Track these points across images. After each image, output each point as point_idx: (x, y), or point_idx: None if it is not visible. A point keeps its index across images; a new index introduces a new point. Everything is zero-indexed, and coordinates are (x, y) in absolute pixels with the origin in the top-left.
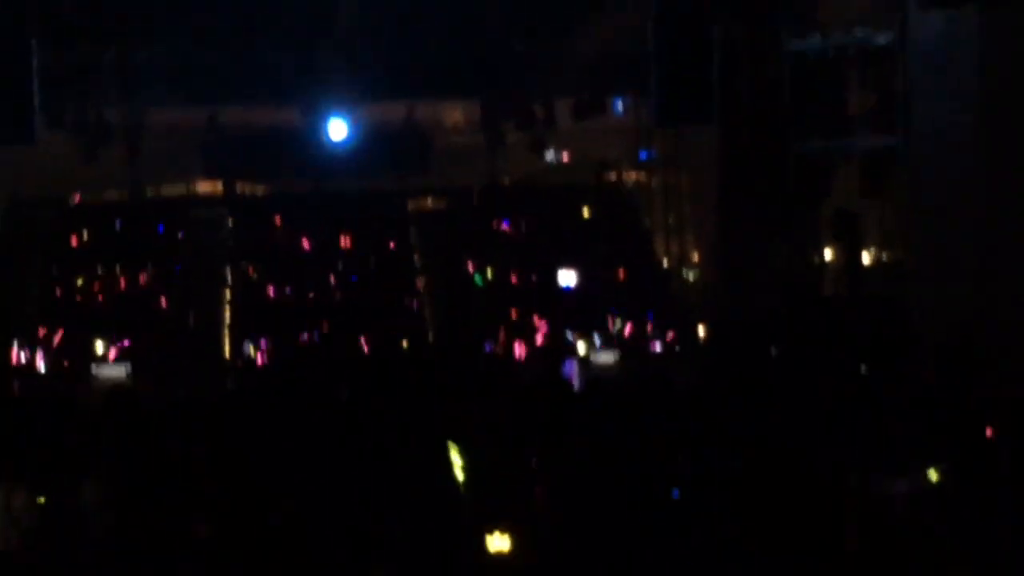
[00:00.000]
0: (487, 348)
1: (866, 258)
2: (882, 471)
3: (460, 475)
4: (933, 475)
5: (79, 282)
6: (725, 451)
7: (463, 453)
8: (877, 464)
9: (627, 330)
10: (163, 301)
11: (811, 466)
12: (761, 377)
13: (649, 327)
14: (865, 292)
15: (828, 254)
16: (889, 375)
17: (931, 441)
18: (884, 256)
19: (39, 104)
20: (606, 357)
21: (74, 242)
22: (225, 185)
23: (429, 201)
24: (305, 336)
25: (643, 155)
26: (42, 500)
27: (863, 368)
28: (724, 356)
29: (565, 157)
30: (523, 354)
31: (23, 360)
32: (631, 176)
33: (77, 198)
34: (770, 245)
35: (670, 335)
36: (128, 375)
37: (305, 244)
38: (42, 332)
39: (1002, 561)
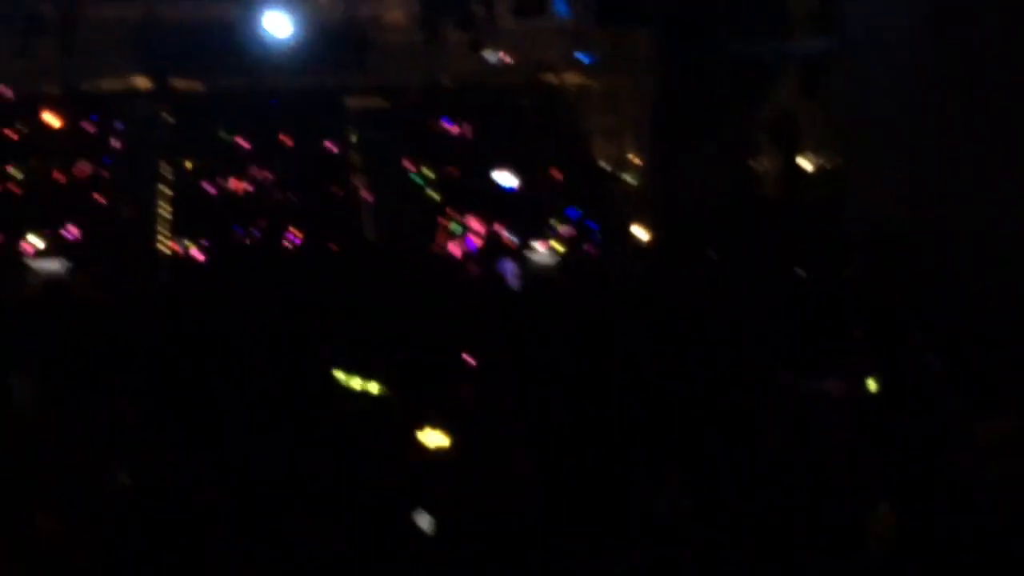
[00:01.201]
0: (426, 247)
1: (803, 161)
2: (813, 372)
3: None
4: (872, 384)
5: (14, 176)
6: (661, 350)
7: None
8: (809, 364)
9: (565, 230)
10: (98, 196)
11: (743, 364)
12: (698, 278)
13: (587, 229)
14: (802, 195)
15: (765, 158)
16: (824, 278)
17: (868, 347)
18: (821, 160)
19: None
20: (544, 257)
21: (8, 136)
22: (161, 80)
23: (368, 99)
24: (242, 232)
25: (583, 56)
26: None
27: (799, 271)
28: (662, 257)
29: (505, 57)
30: (461, 253)
31: None
32: (571, 78)
33: (11, 92)
34: (707, 148)
35: (608, 236)
36: (64, 269)
37: (242, 141)
38: None
39: (920, 471)
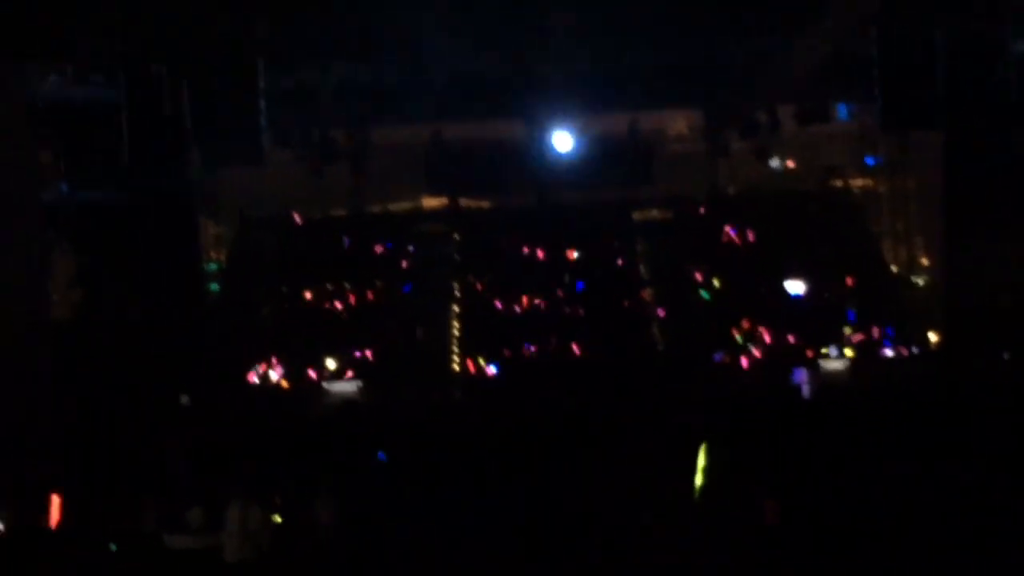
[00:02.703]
0: (716, 357)
1: None
2: None
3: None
4: None
5: (308, 300)
6: (962, 457)
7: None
8: None
9: (857, 337)
10: (391, 316)
11: None
12: (995, 383)
13: (879, 333)
14: None
15: None
16: None
17: None
18: None
19: (265, 124)
20: (836, 364)
21: (302, 260)
22: (450, 200)
23: (654, 211)
24: (533, 348)
25: (869, 160)
26: (277, 518)
27: None
28: (957, 362)
29: (790, 164)
30: (752, 363)
31: (256, 379)
32: (857, 181)
33: (303, 217)
34: (999, 248)
35: (900, 340)
36: (359, 390)
37: (531, 256)
38: (274, 350)
39: None
